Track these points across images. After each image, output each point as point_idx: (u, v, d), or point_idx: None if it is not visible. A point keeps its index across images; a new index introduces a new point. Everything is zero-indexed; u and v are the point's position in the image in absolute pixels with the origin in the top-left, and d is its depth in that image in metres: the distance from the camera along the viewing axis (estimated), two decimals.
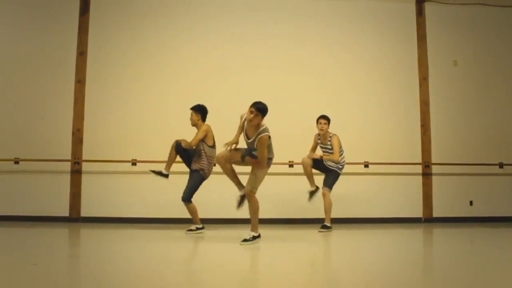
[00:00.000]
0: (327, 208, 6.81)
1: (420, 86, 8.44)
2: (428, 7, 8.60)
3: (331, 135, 6.99)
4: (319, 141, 7.06)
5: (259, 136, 5.35)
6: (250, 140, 5.46)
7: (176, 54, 8.20)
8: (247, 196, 5.52)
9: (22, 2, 8.13)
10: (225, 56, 8.23)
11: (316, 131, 7.10)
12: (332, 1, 8.47)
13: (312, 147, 7.11)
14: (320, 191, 6.81)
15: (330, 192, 6.81)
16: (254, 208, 5.56)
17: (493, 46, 8.65)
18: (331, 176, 6.88)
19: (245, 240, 5.43)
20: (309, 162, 6.80)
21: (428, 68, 8.49)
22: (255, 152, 5.45)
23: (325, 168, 6.88)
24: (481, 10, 8.66)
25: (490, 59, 8.62)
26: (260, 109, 5.34)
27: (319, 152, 6.97)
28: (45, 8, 8.15)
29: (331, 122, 7.00)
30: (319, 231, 6.68)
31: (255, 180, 5.48)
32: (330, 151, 6.93)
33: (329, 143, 6.94)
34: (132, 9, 8.26)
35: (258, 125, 5.39)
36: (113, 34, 8.18)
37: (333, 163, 6.85)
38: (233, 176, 5.69)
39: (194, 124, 6.65)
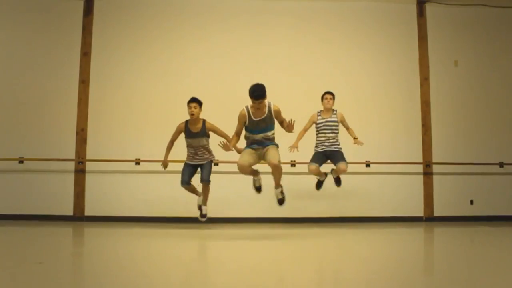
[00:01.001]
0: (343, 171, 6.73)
1: (421, 86, 8.44)
2: (429, 8, 8.59)
3: (335, 111, 6.90)
4: (319, 117, 6.86)
5: (271, 105, 5.70)
6: (263, 117, 5.64)
7: (180, 54, 8.21)
8: (277, 167, 5.53)
9: (27, 4, 8.15)
10: (227, 57, 8.24)
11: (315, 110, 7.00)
12: (333, 3, 8.47)
13: (305, 127, 6.91)
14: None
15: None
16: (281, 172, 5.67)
17: (494, 47, 8.64)
18: (341, 153, 6.77)
19: (280, 200, 5.66)
20: (316, 168, 6.71)
21: (429, 68, 8.48)
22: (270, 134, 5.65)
23: (332, 154, 6.78)
24: (481, 11, 8.65)
25: (490, 59, 8.61)
26: (262, 94, 5.59)
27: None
28: (49, 9, 8.17)
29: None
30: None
31: (277, 152, 5.61)
32: (332, 125, 6.81)
33: (334, 116, 6.84)
34: (136, 10, 8.27)
35: (262, 106, 5.64)
36: (117, 35, 8.20)
37: (337, 144, 6.80)
38: (253, 171, 5.78)
39: (196, 117, 6.56)
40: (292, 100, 8.12)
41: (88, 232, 6.74)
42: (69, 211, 7.80)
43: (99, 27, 8.16)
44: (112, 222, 7.56)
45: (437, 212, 8.21)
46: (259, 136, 5.66)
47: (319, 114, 6.95)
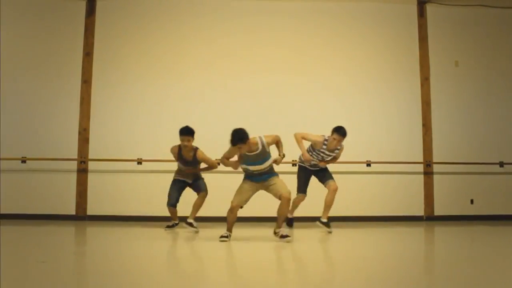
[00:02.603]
0: (331, 203, 6.59)
1: (422, 86, 8.43)
2: (429, 9, 8.58)
3: (339, 147, 6.66)
4: (324, 147, 6.53)
5: (263, 139, 5.43)
6: (257, 152, 5.40)
7: (182, 55, 8.20)
8: (289, 201, 5.49)
9: (30, 5, 8.15)
10: (230, 58, 8.20)
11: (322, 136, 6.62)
12: (333, 3, 8.45)
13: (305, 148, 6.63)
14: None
15: None
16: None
17: (494, 47, 8.62)
18: (327, 170, 6.73)
19: (282, 236, 5.51)
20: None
21: (429, 68, 8.47)
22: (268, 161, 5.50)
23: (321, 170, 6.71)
24: (481, 11, 8.63)
25: (490, 59, 8.59)
26: (242, 139, 5.27)
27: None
28: (52, 10, 8.16)
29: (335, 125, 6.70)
30: (318, 225, 6.61)
31: (283, 183, 5.54)
32: (327, 157, 6.65)
33: (336, 151, 6.64)
34: (138, 11, 8.26)
35: (252, 144, 5.39)
36: (119, 35, 8.19)
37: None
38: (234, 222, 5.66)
39: (189, 149, 6.41)
40: (294, 99, 8.13)
41: (90, 232, 6.75)
42: (72, 211, 7.80)
43: (101, 28, 8.16)
44: (114, 222, 7.56)
45: (437, 212, 8.20)
46: (254, 169, 5.48)
47: (325, 144, 6.53)
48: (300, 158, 6.70)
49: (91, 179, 7.89)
